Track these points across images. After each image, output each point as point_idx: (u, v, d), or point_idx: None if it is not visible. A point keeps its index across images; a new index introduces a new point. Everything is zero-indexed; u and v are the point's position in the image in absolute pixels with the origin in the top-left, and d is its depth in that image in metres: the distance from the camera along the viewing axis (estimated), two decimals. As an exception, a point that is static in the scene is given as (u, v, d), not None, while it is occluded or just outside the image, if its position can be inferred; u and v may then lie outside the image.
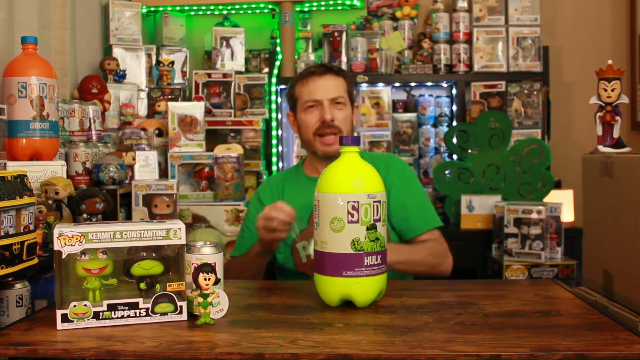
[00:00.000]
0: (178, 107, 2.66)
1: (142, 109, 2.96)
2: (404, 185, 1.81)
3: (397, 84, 3.34)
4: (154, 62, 3.07)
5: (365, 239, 1.22)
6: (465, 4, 3.19)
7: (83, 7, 2.68)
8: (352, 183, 1.25)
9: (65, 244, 1.10)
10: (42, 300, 1.50)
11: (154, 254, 1.17)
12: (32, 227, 1.32)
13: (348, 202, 1.22)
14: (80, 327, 1.12)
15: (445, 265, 1.74)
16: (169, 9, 3.28)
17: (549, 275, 2.58)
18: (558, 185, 2.99)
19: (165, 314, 1.16)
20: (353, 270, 1.23)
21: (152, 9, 3.27)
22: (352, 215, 1.22)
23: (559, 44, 3.35)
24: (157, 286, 1.17)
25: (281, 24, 3.27)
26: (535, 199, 2.84)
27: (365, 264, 1.23)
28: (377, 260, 1.24)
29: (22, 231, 1.29)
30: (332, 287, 1.25)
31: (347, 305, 1.26)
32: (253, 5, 3.34)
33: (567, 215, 2.90)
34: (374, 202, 1.23)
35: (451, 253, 1.78)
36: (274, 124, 3.15)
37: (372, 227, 1.23)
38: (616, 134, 1.51)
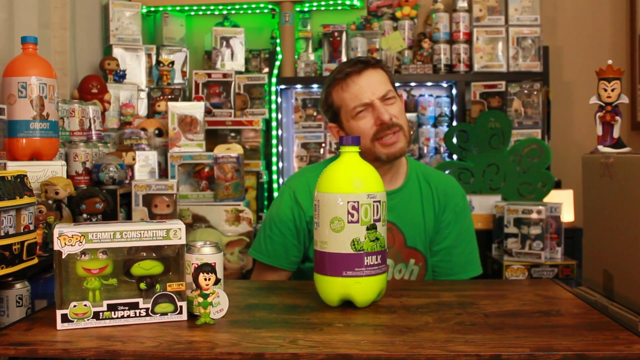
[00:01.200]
0: (178, 107, 2.66)
1: (142, 109, 2.96)
2: (456, 227, 1.68)
3: (397, 84, 3.34)
4: (154, 62, 3.07)
5: (365, 239, 1.22)
6: (465, 4, 3.19)
7: (83, 7, 2.68)
8: (352, 183, 1.24)
9: (65, 244, 1.10)
10: (42, 300, 1.50)
11: (154, 254, 1.17)
12: (32, 227, 1.32)
13: (348, 202, 1.22)
14: (80, 327, 1.12)
15: None
16: (169, 9, 3.28)
17: (549, 275, 2.58)
18: (558, 185, 2.99)
19: (165, 314, 1.16)
20: (353, 270, 1.22)
21: (152, 9, 3.27)
22: (352, 215, 1.22)
23: (559, 44, 3.35)
24: (157, 286, 1.17)
25: (281, 24, 3.27)
26: (535, 199, 2.84)
27: (365, 264, 1.23)
28: (377, 260, 1.24)
29: (22, 231, 1.29)
30: (332, 287, 1.25)
31: (347, 305, 1.26)
32: (253, 5, 3.34)
33: (567, 215, 2.90)
34: (374, 202, 1.23)
35: None
36: (274, 124, 3.15)
37: (372, 227, 1.23)
38: (616, 134, 1.51)
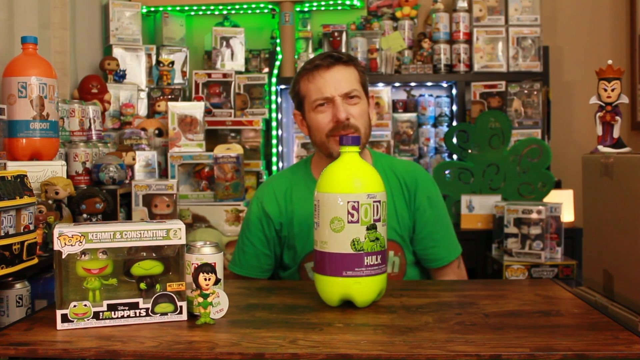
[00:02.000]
0: (178, 107, 2.66)
1: (142, 109, 2.96)
2: (433, 212, 1.69)
3: (397, 84, 3.34)
4: (154, 62, 3.07)
5: (365, 239, 1.22)
6: (465, 4, 3.19)
7: (83, 7, 2.68)
8: (352, 183, 1.24)
9: (65, 244, 1.10)
10: (42, 300, 1.50)
11: (154, 254, 1.17)
12: (32, 227, 1.32)
13: (348, 202, 1.22)
14: (80, 327, 1.12)
15: None
16: (169, 9, 3.28)
17: (549, 275, 2.58)
18: (558, 185, 2.99)
19: (165, 314, 1.16)
20: (353, 270, 1.22)
21: (152, 9, 3.27)
22: (352, 215, 1.22)
23: (559, 44, 3.35)
24: (157, 286, 1.17)
25: (281, 24, 3.27)
26: (535, 199, 2.84)
27: (365, 264, 1.23)
28: (377, 260, 1.24)
29: (22, 231, 1.29)
30: (332, 287, 1.25)
31: (347, 305, 1.26)
32: (253, 5, 3.34)
33: (567, 215, 2.90)
34: (374, 202, 1.23)
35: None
36: (274, 124, 3.15)
37: (372, 227, 1.23)
38: (616, 134, 1.51)
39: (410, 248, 1.69)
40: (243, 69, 3.19)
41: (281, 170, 2.01)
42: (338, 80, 1.59)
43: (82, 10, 2.67)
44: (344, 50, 3.19)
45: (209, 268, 1.15)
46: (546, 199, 2.84)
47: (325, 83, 1.59)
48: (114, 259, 1.15)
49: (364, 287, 1.24)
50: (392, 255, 1.66)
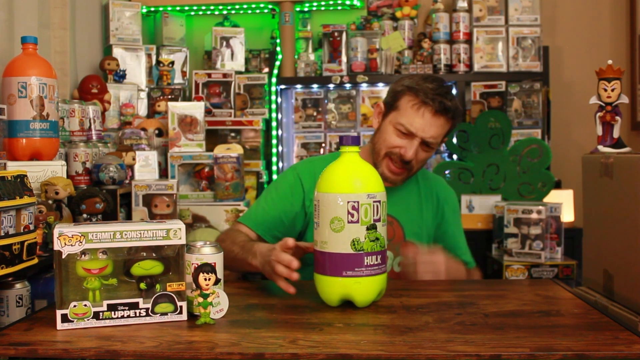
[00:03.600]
0: (178, 107, 2.66)
1: (142, 109, 2.96)
2: (456, 223, 1.83)
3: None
4: (154, 62, 3.07)
5: (365, 239, 1.22)
6: (465, 4, 3.19)
7: (83, 7, 2.68)
8: (352, 183, 1.24)
9: (65, 244, 1.10)
10: (42, 300, 1.50)
11: (154, 254, 1.17)
12: (32, 227, 1.32)
13: (348, 202, 1.22)
14: (80, 327, 1.12)
15: None
16: (169, 9, 3.28)
17: (549, 275, 2.58)
18: (558, 185, 2.99)
19: (165, 314, 1.16)
20: (353, 270, 1.22)
21: (152, 9, 3.27)
22: (352, 215, 1.22)
23: (559, 44, 3.35)
24: (157, 286, 1.17)
25: (281, 24, 3.27)
26: (535, 199, 2.84)
27: (365, 264, 1.23)
28: (377, 260, 1.24)
29: (22, 231, 1.29)
30: (332, 287, 1.25)
31: (347, 305, 1.26)
32: (253, 5, 3.34)
33: (567, 215, 2.90)
34: (374, 202, 1.23)
35: None
36: (274, 124, 3.15)
37: (372, 227, 1.23)
38: (616, 134, 1.51)
39: None
40: (243, 69, 3.19)
41: (324, 155, 2.05)
42: (431, 127, 1.62)
43: (82, 10, 2.67)
44: (343, 50, 3.19)
45: (209, 268, 1.15)
46: (546, 199, 2.84)
47: (420, 122, 1.61)
48: (114, 259, 1.15)
49: (364, 287, 1.24)
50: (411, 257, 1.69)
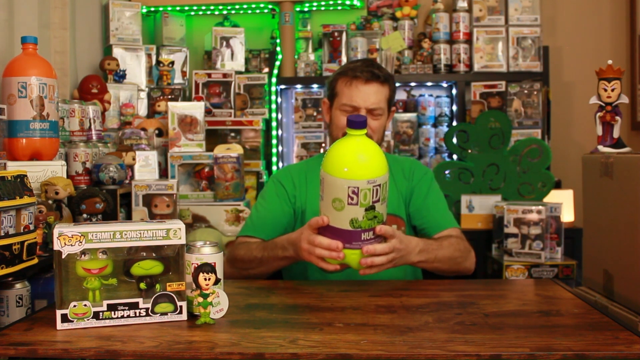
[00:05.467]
0: (178, 107, 2.66)
1: (142, 109, 2.96)
2: (426, 187, 1.84)
3: (397, 84, 3.34)
4: (154, 62, 3.07)
5: (363, 218, 1.27)
6: (465, 4, 3.18)
7: (83, 7, 2.68)
8: (354, 170, 1.26)
9: (65, 244, 1.10)
10: (42, 300, 1.50)
11: (154, 254, 1.17)
12: (32, 227, 1.32)
13: (349, 187, 1.25)
14: (80, 327, 1.12)
15: (470, 261, 1.73)
16: (169, 9, 3.28)
17: (549, 275, 2.58)
18: (558, 185, 2.99)
19: (165, 314, 1.16)
20: (351, 243, 1.30)
21: (152, 9, 3.27)
22: (352, 199, 1.26)
23: (559, 44, 3.35)
24: (157, 286, 1.17)
25: (281, 24, 3.27)
26: (535, 199, 2.83)
27: (362, 239, 1.30)
28: (373, 235, 1.31)
29: (22, 231, 1.29)
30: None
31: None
32: (253, 5, 3.34)
33: (567, 215, 2.90)
34: (374, 186, 1.26)
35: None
36: (274, 124, 3.15)
37: (370, 208, 1.27)
38: (616, 134, 1.51)
39: (410, 225, 1.83)
40: (243, 69, 3.19)
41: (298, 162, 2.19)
42: (369, 95, 1.75)
43: (82, 10, 2.67)
44: (343, 50, 3.19)
45: (209, 268, 1.15)
46: (546, 199, 2.84)
47: (357, 94, 1.75)
48: (113, 259, 1.16)
49: (359, 257, 1.32)
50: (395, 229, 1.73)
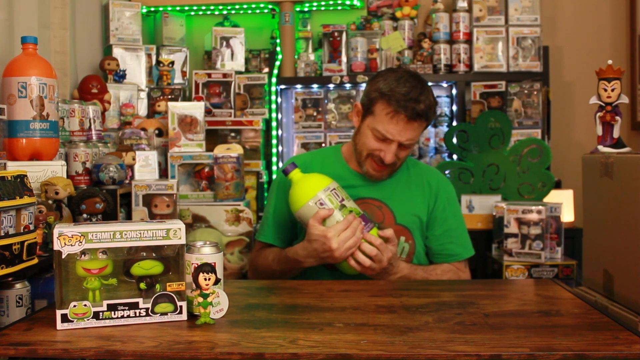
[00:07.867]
0: (178, 107, 2.66)
1: (142, 109, 2.96)
2: (451, 212, 1.83)
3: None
4: (154, 62, 3.07)
5: (342, 216, 1.56)
6: (465, 4, 3.18)
7: (83, 7, 2.68)
8: (308, 190, 1.59)
9: (65, 244, 1.10)
10: (42, 300, 1.50)
11: (153, 254, 1.17)
12: (32, 227, 1.32)
13: (316, 202, 1.57)
14: (80, 327, 1.12)
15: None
16: (169, 9, 3.28)
17: (549, 275, 2.58)
18: (558, 185, 2.99)
19: (165, 314, 1.16)
20: None
21: (152, 9, 3.27)
22: (325, 206, 1.57)
23: (559, 44, 3.35)
24: (157, 286, 1.17)
25: (281, 24, 3.27)
26: (535, 199, 2.83)
27: None
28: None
29: (22, 231, 1.29)
30: None
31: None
32: (253, 5, 3.34)
33: (567, 215, 2.90)
34: (331, 191, 1.59)
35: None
36: (274, 124, 3.15)
37: (342, 207, 1.59)
38: (616, 134, 1.51)
39: (420, 240, 1.80)
40: (243, 69, 3.19)
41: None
42: (406, 132, 1.68)
43: (82, 10, 2.67)
44: (343, 50, 3.19)
45: (208, 268, 1.15)
46: (546, 199, 2.84)
47: (395, 129, 1.68)
48: (113, 259, 1.15)
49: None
50: (403, 241, 1.77)
